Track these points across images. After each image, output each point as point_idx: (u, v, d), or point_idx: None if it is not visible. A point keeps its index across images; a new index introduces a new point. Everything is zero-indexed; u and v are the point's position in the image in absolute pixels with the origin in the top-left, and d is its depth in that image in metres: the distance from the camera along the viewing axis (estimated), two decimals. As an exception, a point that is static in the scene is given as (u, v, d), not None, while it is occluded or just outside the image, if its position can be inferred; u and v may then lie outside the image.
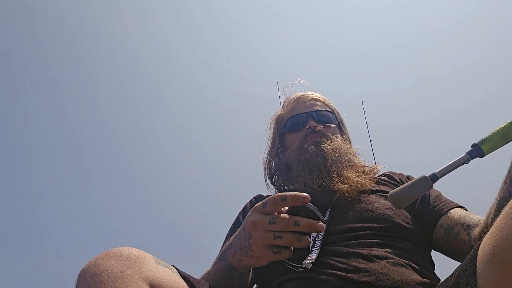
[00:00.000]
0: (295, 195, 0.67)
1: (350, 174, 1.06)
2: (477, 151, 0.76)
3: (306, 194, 0.66)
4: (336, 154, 1.10)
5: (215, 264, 0.85)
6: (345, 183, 1.02)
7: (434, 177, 0.78)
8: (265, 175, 1.29)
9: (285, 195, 0.67)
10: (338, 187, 1.01)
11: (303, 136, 1.16)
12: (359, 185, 1.03)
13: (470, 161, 0.77)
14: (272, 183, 1.27)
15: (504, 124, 0.76)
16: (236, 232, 0.78)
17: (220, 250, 1.06)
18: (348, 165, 1.10)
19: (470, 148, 0.77)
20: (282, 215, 0.68)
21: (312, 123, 1.18)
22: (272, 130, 1.31)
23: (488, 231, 0.55)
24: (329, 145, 1.12)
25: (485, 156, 0.77)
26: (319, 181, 1.04)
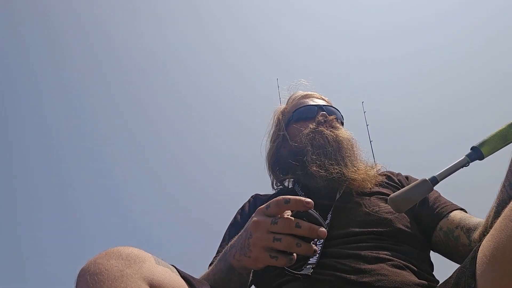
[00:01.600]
0: (298, 199, 0.67)
1: (362, 165, 1.08)
2: (477, 153, 0.76)
3: (310, 200, 0.66)
4: (350, 145, 1.11)
5: (215, 265, 0.85)
6: (358, 174, 1.03)
7: (434, 180, 0.78)
8: (267, 164, 1.26)
9: (289, 198, 0.67)
10: (352, 176, 1.02)
11: (317, 122, 1.16)
12: (369, 178, 1.04)
13: (470, 163, 0.78)
14: (273, 173, 1.25)
15: (503, 126, 0.76)
16: (240, 233, 0.78)
17: (217, 250, 1.06)
18: (357, 157, 1.11)
19: (469, 150, 0.78)
20: (285, 216, 0.68)
21: (324, 113, 1.18)
22: (275, 121, 1.28)
23: (488, 233, 0.55)
24: (342, 134, 1.13)
25: (484, 159, 0.77)
26: (336, 167, 1.04)
